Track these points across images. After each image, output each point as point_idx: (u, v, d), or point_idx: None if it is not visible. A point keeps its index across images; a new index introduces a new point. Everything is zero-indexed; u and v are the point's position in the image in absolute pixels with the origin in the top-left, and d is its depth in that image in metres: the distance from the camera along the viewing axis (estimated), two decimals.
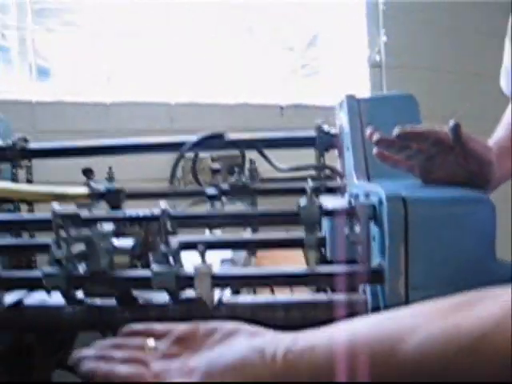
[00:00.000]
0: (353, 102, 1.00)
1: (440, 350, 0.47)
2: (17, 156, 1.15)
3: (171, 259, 0.72)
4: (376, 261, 0.73)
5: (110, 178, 1.20)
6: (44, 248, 0.78)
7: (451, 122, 0.76)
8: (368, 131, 0.81)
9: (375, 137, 0.79)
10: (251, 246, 0.91)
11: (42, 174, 1.22)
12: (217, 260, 0.98)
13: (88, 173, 1.15)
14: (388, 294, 0.67)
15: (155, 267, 0.71)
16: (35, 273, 0.75)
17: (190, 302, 0.75)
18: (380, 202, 0.70)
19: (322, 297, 0.77)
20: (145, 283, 0.73)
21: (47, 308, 0.79)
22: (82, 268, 0.74)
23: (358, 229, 0.75)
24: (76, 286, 0.74)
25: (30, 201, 1.02)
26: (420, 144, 0.79)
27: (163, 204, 0.73)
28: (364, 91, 2.15)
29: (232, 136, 1.11)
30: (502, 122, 1.08)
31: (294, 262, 1.05)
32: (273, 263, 1.03)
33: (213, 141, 1.11)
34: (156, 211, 0.76)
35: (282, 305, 0.76)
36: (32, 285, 0.76)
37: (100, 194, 0.94)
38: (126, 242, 0.78)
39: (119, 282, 0.74)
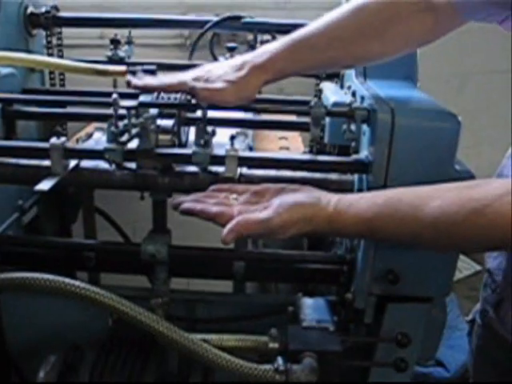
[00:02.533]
0: None
1: (454, 211, 0.68)
2: (50, 23, 1.28)
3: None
4: (364, 153, 0.94)
5: (129, 43, 1.36)
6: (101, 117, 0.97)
7: None
8: None
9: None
10: (264, 126, 1.10)
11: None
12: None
13: (115, 42, 1.30)
14: (371, 182, 0.89)
15: (195, 148, 0.91)
16: (98, 146, 0.94)
17: (217, 174, 0.95)
18: (374, 110, 0.89)
19: (320, 175, 0.99)
20: (185, 159, 0.93)
21: (100, 171, 0.99)
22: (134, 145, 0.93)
23: (353, 127, 0.95)
24: (130, 160, 0.94)
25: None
26: None
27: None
28: None
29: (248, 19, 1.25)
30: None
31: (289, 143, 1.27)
32: (270, 143, 1.25)
33: (231, 22, 1.25)
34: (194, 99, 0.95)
35: (287, 179, 0.98)
36: (94, 156, 0.95)
37: (136, 72, 1.09)
38: (167, 122, 0.97)
39: (164, 158, 0.94)
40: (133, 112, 0.91)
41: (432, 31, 0.91)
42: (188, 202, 0.80)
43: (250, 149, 1.14)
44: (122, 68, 1.10)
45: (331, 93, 1.05)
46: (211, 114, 0.95)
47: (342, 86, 1.16)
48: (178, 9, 1.80)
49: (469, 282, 2.41)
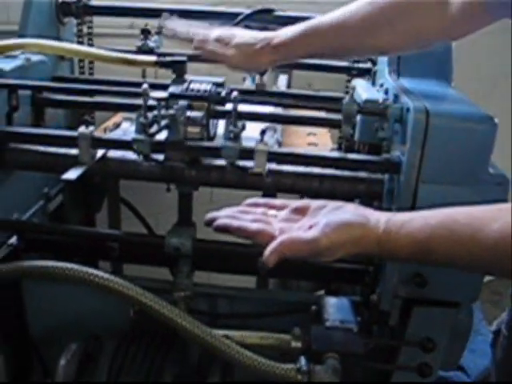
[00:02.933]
0: None
1: None
2: (80, 12, 1.28)
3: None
4: (395, 153, 0.92)
5: (159, 33, 1.35)
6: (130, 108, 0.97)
7: None
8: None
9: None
10: (294, 121, 1.09)
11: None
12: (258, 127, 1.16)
13: (146, 32, 1.29)
14: (402, 183, 0.87)
15: (224, 142, 0.90)
16: (126, 137, 0.94)
17: (245, 169, 0.94)
18: (408, 110, 0.87)
19: (350, 173, 0.97)
20: (214, 152, 0.92)
21: (127, 162, 0.98)
22: (162, 136, 0.92)
23: (385, 126, 0.93)
24: (157, 151, 0.93)
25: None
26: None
27: (235, 93, 0.89)
28: None
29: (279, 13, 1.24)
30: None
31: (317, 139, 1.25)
32: (298, 138, 1.23)
33: (263, 15, 1.24)
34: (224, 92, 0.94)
35: (317, 176, 0.96)
36: (122, 146, 0.94)
37: (166, 63, 1.08)
38: (196, 114, 0.96)
39: (194, 151, 0.93)
40: (163, 103, 0.90)
41: (448, 30, 0.90)
42: (223, 217, 0.73)
43: (279, 144, 1.13)
44: (152, 58, 1.09)
45: (363, 90, 1.03)
46: (241, 107, 0.94)
47: (374, 83, 1.14)
48: (209, 0, 1.79)
49: (491, 286, 2.37)
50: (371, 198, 0.96)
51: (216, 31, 1.02)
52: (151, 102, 0.90)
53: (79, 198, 1.33)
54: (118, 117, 1.31)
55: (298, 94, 1.12)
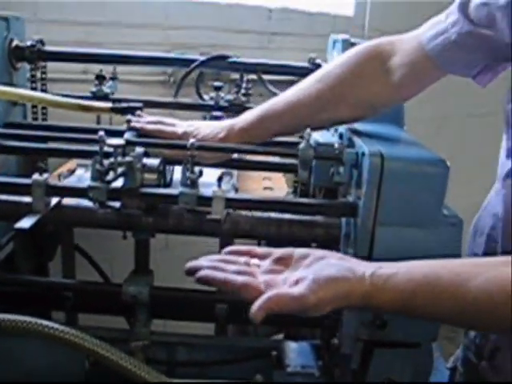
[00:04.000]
0: (348, 46, 1.14)
1: (497, 290, 0.66)
2: (35, 57, 1.27)
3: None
4: (352, 196, 0.94)
5: (113, 78, 1.35)
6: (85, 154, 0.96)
7: None
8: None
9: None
10: (251, 167, 1.10)
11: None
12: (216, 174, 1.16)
13: (100, 78, 1.29)
14: (359, 226, 0.89)
15: (182, 188, 0.89)
16: (82, 184, 0.92)
17: (203, 215, 0.94)
18: (363, 154, 0.89)
19: (308, 217, 0.98)
20: (171, 199, 0.91)
21: (82, 209, 0.97)
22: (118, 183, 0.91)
23: (341, 170, 0.94)
24: (113, 199, 0.92)
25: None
26: None
27: (192, 140, 0.89)
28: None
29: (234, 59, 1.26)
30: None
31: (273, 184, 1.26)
32: (253, 183, 1.24)
33: (217, 61, 1.25)
34: (182, 142, 0.94)
35: (275, 221, 0.97)
36: (78, 193, 0.92)
37: (122, 109, 1.08)
38: (153, 162, 0.95)
39: (150, 198, 0.92)
40: (119, 150, 0.89)
41: (398, 93, 0.97)
42: (205, 268, 0.70)
43: (236, 189, 1.13)
44: (107, 105, 1.09)
45: (318, 134, 1.05)
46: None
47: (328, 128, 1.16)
48: (162, 46, 1.81)
49: None
50: (329, 241, 0.97)
51: (181, 127, 1.04)
52: (107, 149, 0.89)
53: (31, 246, 1.29)
54: (72, 163, 1.29)
55: None
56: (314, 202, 0.99)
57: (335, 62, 1.02)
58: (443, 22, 0.89)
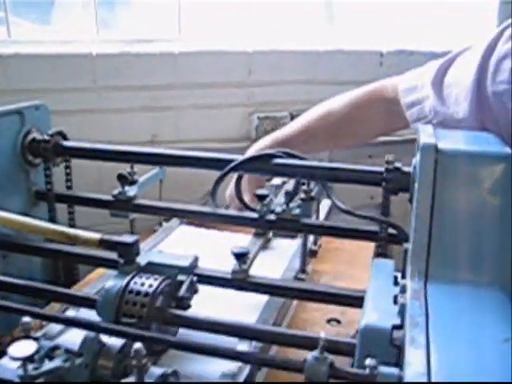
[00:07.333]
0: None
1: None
2: (50, 153, 1.06)
3: None
4: None
5: (132, 182, 1.08)
6: None
7: None
8: None
9: None
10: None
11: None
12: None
13: (122, 179, 1.05)
14: None
15: None
16: None
17: None
18: None
19: None
20: None
21: None
22: None
23: None
24: None
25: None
26: None
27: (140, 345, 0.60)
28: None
29: (281, 160, 0.93)
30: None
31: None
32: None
33: (260, 163, 0.94)
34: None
35: None
36: None
37: (112, 244, 0.82)
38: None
39: None
40: None
41: (391, 125, 1.14)
42: None
43: None
44: (96, 236, 0.83)
45: None
46: None
47: None
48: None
49: None
50: None
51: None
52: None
53: None
54: None
55: None
56: None
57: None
58: (419, 91, 1.01)
